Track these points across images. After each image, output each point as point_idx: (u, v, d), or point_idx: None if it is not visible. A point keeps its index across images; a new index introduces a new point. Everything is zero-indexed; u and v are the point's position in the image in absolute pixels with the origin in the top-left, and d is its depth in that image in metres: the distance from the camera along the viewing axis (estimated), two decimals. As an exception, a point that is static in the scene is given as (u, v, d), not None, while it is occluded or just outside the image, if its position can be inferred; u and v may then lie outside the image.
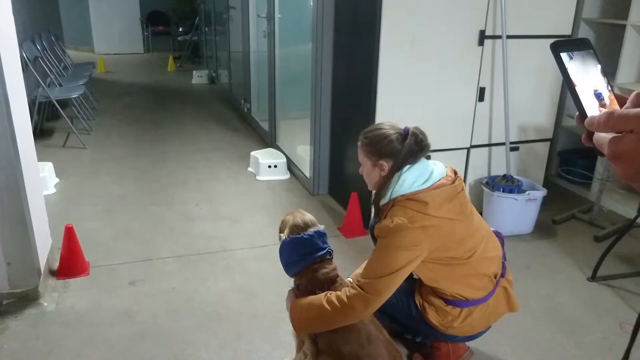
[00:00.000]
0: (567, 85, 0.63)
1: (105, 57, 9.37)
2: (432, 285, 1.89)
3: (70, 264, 2.70)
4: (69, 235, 2.68)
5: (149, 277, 2.75)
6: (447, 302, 1.89)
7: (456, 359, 2.13)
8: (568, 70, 0.63)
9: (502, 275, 1.98)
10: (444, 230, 1.74)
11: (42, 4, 6.89)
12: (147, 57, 10.52)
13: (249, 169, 4.34)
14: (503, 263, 1.99)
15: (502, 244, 2.02)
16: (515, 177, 3.28)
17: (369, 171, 1.86)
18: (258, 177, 4.15)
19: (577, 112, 0.63)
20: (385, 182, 1.79)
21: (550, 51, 0.64)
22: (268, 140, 4.91)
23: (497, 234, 2.05)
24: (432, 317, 1.91)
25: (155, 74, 8.80)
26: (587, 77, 0.64)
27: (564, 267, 2.96)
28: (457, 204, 1.77)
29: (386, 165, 1.79)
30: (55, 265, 2.75)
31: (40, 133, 5.11)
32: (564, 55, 0.64)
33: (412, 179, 1.75)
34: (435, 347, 2.11)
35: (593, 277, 2.81)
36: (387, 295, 1.71)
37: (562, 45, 0.64)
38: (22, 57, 2.80)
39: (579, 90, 0.63)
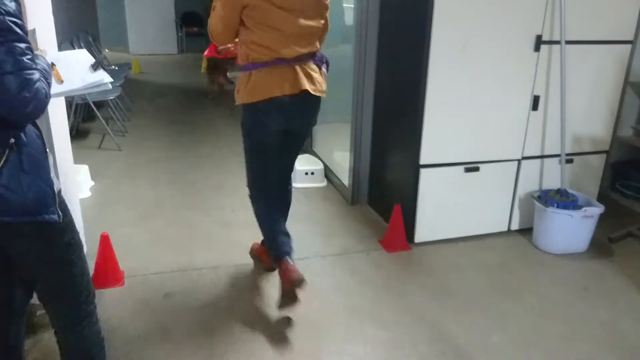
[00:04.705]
0: None
1: (139, 57, 9.41)
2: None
3: (105, 273, 2.62)
4: (105, 244, 2.60)
5: (184, 289, 2.66)
6: (243, 68, 2.30)
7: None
8: None
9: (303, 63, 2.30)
10: None
11: (80, 6, 6.93)
12: (180, 58, 10.54)
13: (285, 175, 4.22)
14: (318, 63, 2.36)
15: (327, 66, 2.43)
16: (570, 191, 3.08)
17: None
18: (294, 184, 4.02)
19: None
20: None
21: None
22: (305, 145, 4.78)
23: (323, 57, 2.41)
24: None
25: (189, 74, 8.78)
26: None
27: (624, 289, 2.76)
28: None
29: None
30: (90, 274, 2.67)
31: (77, 134, 5.10)
32: None
33: None
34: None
35: (658, 303, 2.60)
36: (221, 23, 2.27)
37: None
38: (60, 59, 2.73)
39: None
